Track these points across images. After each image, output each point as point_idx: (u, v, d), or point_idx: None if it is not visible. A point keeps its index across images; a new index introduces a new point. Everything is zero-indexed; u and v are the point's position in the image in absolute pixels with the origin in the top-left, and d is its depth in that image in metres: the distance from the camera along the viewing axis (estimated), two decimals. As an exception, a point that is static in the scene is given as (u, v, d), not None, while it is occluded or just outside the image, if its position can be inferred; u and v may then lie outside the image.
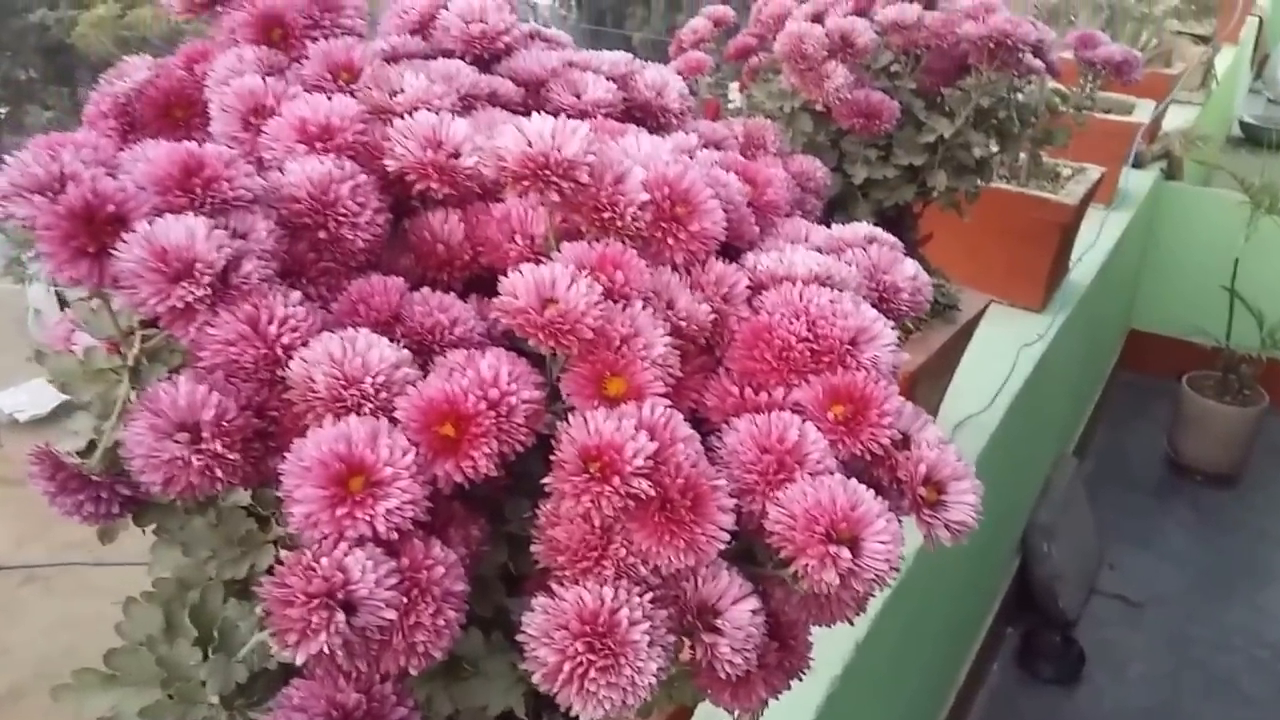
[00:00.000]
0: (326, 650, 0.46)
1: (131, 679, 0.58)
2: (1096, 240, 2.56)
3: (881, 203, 1.25)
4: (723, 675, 0.53)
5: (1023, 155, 1.86)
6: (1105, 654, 2.91)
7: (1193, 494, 3.66)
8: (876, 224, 0.72)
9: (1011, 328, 2.04)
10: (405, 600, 0.48)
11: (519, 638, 0.51)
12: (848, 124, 1.15)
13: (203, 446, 0.49)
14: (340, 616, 0.46)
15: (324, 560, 0.46)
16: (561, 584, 0.52)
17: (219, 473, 0.50)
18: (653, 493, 0.50)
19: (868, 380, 0.56)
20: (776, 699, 0.63)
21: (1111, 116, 2.72)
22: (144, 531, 0.63)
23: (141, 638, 0.59)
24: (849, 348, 0.57)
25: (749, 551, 0.57)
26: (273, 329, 0.52)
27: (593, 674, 0.49)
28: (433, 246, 0.62)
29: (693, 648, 0.54)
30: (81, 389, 0.60)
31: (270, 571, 0.48)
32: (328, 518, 0.48)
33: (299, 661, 0.46)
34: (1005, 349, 1.96)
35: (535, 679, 0.50)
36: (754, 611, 0.53)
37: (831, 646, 1.38)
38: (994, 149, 1.28)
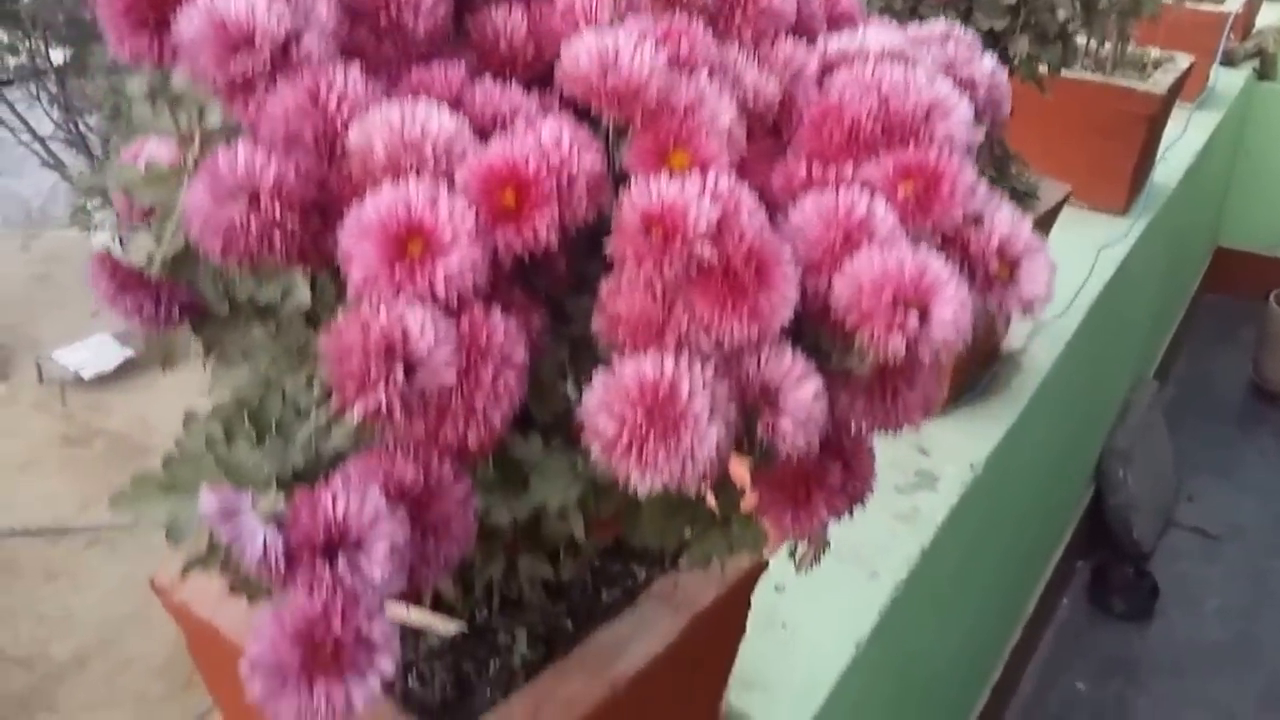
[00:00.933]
0: (384, 405, 0.45)
1: (189, 486, 0.58)
2: (1182, 138, 2.44)
3: (958, 71, 1.21)
4: (784, 455, 0.52)
5: (1108, 44, 1.79)
6: (1180, 588, 2.83)
7: (1277, 422, 3.55)
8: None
9: (1091, 230, 1.97)
10: (464, 361, 0.48)
11: (577, 415, 0.50)
12: None
13: (262, 210, 0.49)
14: (399, 369, 0.45)
15: (382, 314, 0.46)
16: (621, 358, 0.51)
17: (277, 238, 0.50)
18: (715, 258, 0.49)
19: (940, 156, 0.54)
20: (838, 520, 0.62)
21: (1202, 6, 2.59)
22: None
23: (199, 449, 0.59)
24: (922, 122, 0.55)
25: (813, 345, 0.56)
26: (332, 101, 0.51)
27: (651, 442, 0.48)
28: (494, 43, 0.60)
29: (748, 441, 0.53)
30: (143, 194, 0.60)
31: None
32: (386, 276, 0.47)
33: (356, 416, 0.46)
34: (1084, 251, 1.89)
35: (594, 453, 0.49)
36: (816, 394, 0.52)
37: (898, 553, 1.37)
38: (1079, 14, 1.23)
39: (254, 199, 0.49)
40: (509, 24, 0.60)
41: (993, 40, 1.21)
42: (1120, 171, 2.02)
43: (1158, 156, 2.24)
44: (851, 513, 0.62)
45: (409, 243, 0.48)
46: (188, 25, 0.51)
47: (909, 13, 1.21)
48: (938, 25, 0.67)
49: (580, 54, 0.52)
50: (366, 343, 0.45)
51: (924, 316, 0.50)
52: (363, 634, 0.44)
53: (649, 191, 0.50)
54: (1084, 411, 2.36)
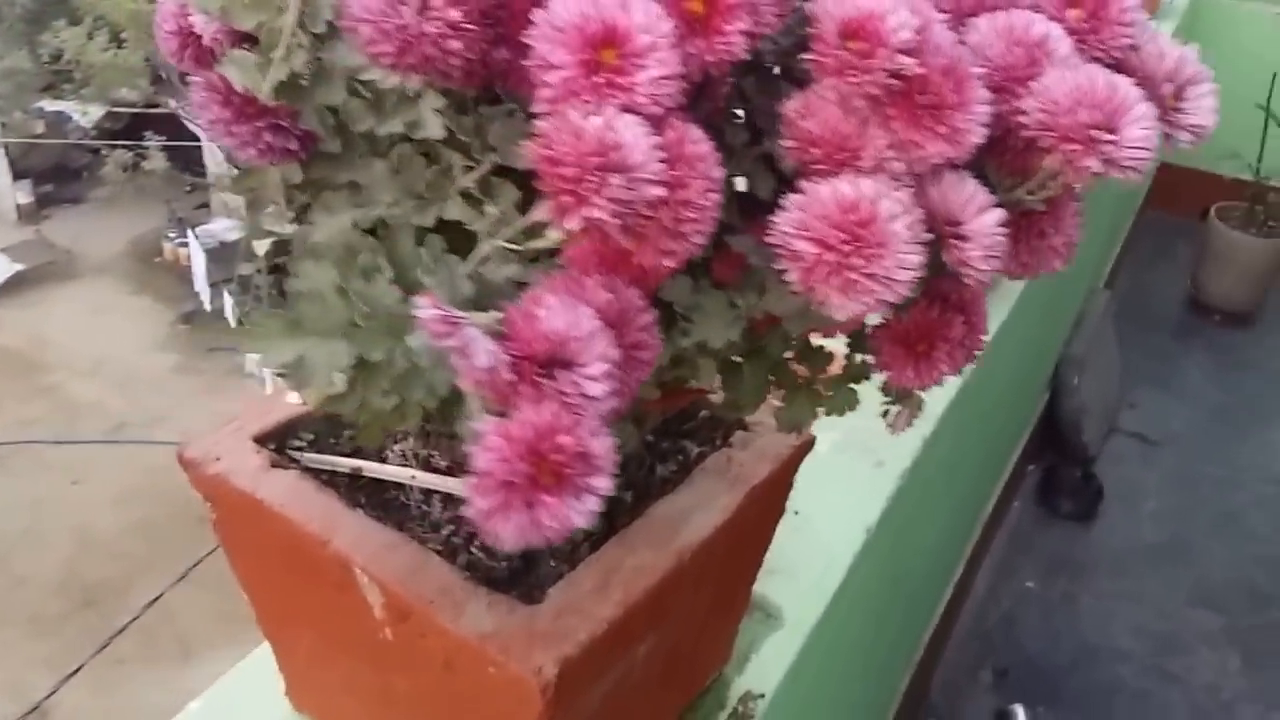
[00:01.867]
0: (602, 215, 0.43)
1: (317, 326, 0.55)
2: None
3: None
4: (972, 281, 0.51)
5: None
6: (1121, 491, 2.96)
7: (1211, 335, 3.69)
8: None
9: None
10: (673, 175, 0.45)
11: (769, 238, 0.49)
12: None
13: (435, 13, 0.46)
14: (617, 177, 0.43)
15: (594, 120, 0.44)
16: (813, 180, 0.49)
17: (454, 44, 0.47)
18: (916, 70, 0.47)
19: (1112, -18, 0.53)
20: (956, 374, 0.62)
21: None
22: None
23: (325, 286, 0.56)
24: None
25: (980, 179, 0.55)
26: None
27: (855, 260, 0.46)
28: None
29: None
30: (244, 16, 0.55)
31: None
32: (586, 85, 0.45)
33: (571, 227, 0.44)
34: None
35: (790, 277, 0.48)
36: (1000, 221, 0.51)
37: (903, 442, 1.40)
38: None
39: (424, 4, 0.46)
40: None
41: None
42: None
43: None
44: (969, 362, 0.62)
45: (602, 51, 0.45)
46: None
47: None
48: None
49: None
50: (582, 151, 0.43)
51: (1114, 135, 0.49)
52: (586, 450, 0.43)
53: (845, 1, 0.48)
54: (1044, 324, 2.42)
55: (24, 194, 10.56)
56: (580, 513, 0.43)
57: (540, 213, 0.45)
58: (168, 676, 6.01)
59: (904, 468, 1.38)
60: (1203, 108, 0.54)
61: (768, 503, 0.85)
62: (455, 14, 0.46)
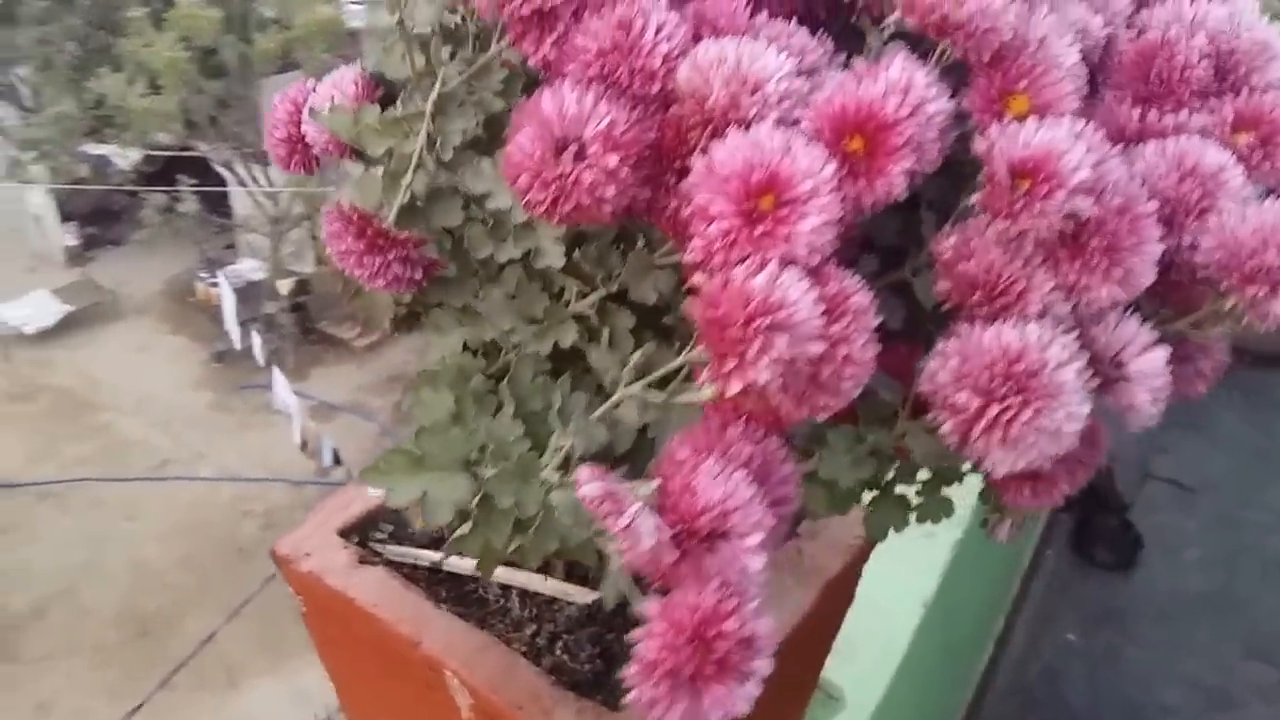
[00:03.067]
0: (765, 379, 0.40)
1: (438, 461, 0.53)
2: None
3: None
4: (1135, 425, 0.48)
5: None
6: (1160, 539, 2.89)
7: (1243, 376, 3.60)
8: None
9: None
10: (834, 330, 0.43)
11: (923, 387, 0.46)
12: None
13: (593, 161, 0.43)
14: (782, 340, 0.40)
15: (760, 279, 0.41)
16: (972, 325, 0.46)
17: (609, 191, 0.44)
18: (1094, 211, 0.44)
19: (1277, 102, 0.51)
20: (1074, 493, 0.59)
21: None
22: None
23: (443, 419, 0.54)
24: (1256, 64, 0.51)
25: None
26: (649, 35, 0.45)
27: (1025, 416, 0.43)
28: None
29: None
30: (375, 142, 0.53)
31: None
32: (747, 235, 0.42)
33: (732, 392, 0.41)
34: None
35: (945, 429, 0.45)
36: (1165, 360, 0.48)
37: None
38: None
39: (581, 149, 0.44)
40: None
41: None
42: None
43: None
44: (1084, 483, 0.59)
45: (761, 197, 0.43)
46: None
47: None
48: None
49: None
50: (748, 313, 0.40)
51: (1304, 276, 0.46)
52: (751, 635, 0.40)
53: (1017, 139, 0.45)
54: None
55: (71, 236, 10.70)
56: (743, 698, 0.40)
57: (689, 364, 0.42)
58: (216, 703, 6.21)
59: (956, 538, 1.35)
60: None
61: (840, 595, 0.83)
62: (613, 161, 0.43)
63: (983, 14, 0.46)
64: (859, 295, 0.44)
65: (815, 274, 0.43)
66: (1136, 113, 0.51)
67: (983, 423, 0.44)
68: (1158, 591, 2.78)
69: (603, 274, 0.53)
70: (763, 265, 0.42)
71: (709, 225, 0.42)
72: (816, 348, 0.42)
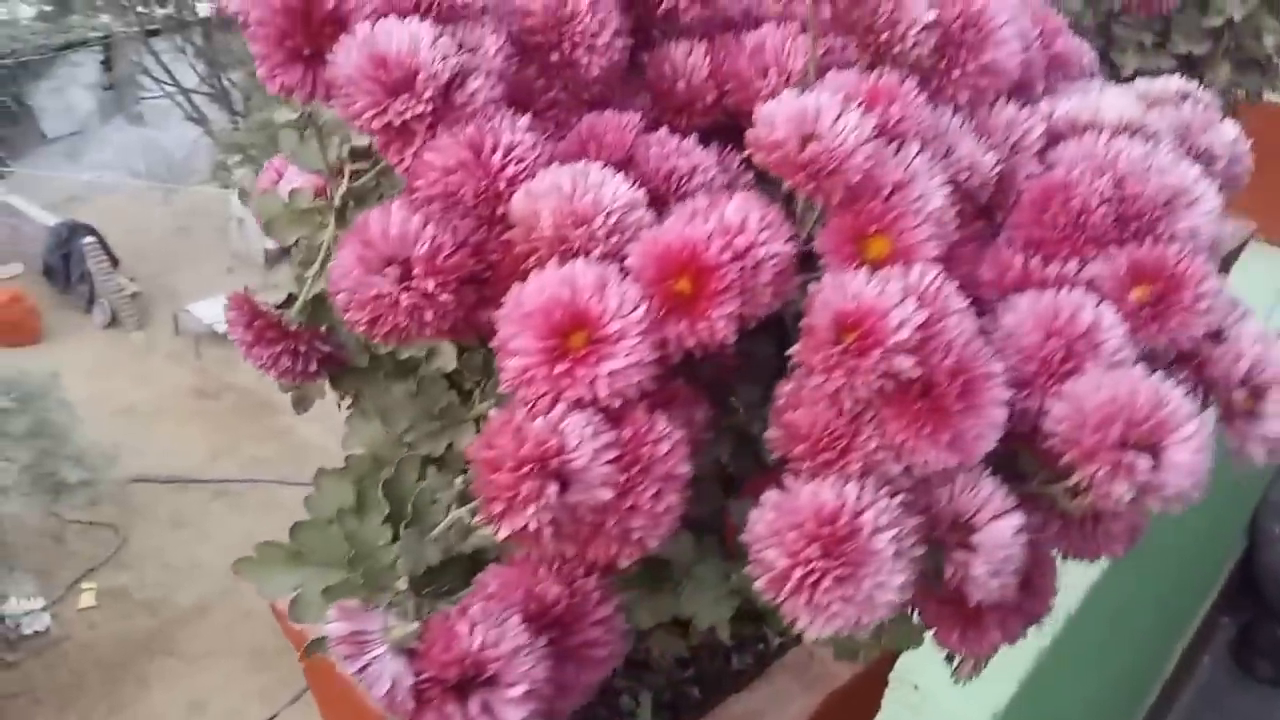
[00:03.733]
0: (534, 526, 0.41)
1: (318, 557, 0.55)
2: None
3: (1149, 99, 1.10)
4: (974, 602, 0.46)
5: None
6: None
7: None
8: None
9: (1272, 270, 1.80)
10: (624, 478, 0.42)
11: (743, 537, 0.45)
12: (1123, 2, 1.02)
13: (413, 284, 0.45)
14: (553, 488, 0.40)
15: (539, 422, 0.41)
16: (796, 478, 0.45)
17: (428, 315, 0.45)
18: (917, 372, 0.42)
19: (1182, 255, 0.47)
20: (1010, 645, 0.56)
21: None
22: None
23: (331, 513, 0.56)
24: (1162, 212, 0.48)
25: (1008, 462, 0.49)
26: (497, 157, 0.46)
27: (827, 584, 0.42)
28: (672, 84, 0.54)
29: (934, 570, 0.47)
30: (285, 231, 0.56)
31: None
32: (545, 374, 0.42)
33: (502, 536, 0.41)
34: (1262, 294, 1.73)
35: (758, 584, 0.44)
36: (1017, 530, 0.45)
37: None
38: (1284, 43, 1.11)
39: (405, 271, 0.45)
40: (689, 64, 0.54)
41: (1188, 66, 1.09)
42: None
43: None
44: (1025, 634, 0.56)
45: (571, 334, 0.43)
46: (345, 60, 0.46)
47: (1100, 31, 1.10)
48: (1172, 82, 0.58)
49: (776, 118, 0.45)
50: (520, 453, 0.41)
51: (1157, 459, 0.43)
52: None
53: (844, 290, 0.43)
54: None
55: (271, 240, 11.32)
56: None
57: (481, 512, 0.42)
58: None
59: (1043, 645, 1.25)
60: (1281, 416, 0.47)
61: (852, 705, 0.79)
62: (431, 285, 0.44)
63: (828, 155, 0.44)
64: (661, 443, 0.43)
65: (618, 417, 0.43)
66: (1020, 259, 0.48)
67: (789, 584, 0.43)
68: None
69: (490, 383, 0.54)
70: (553, 404, 0.42)
71: (509, 360, 0.43)
72: (601, 494, 0.42)
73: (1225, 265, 1.28)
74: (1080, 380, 0.44)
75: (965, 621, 0.53)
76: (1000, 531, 0.45)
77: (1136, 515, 0.51)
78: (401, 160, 0.48)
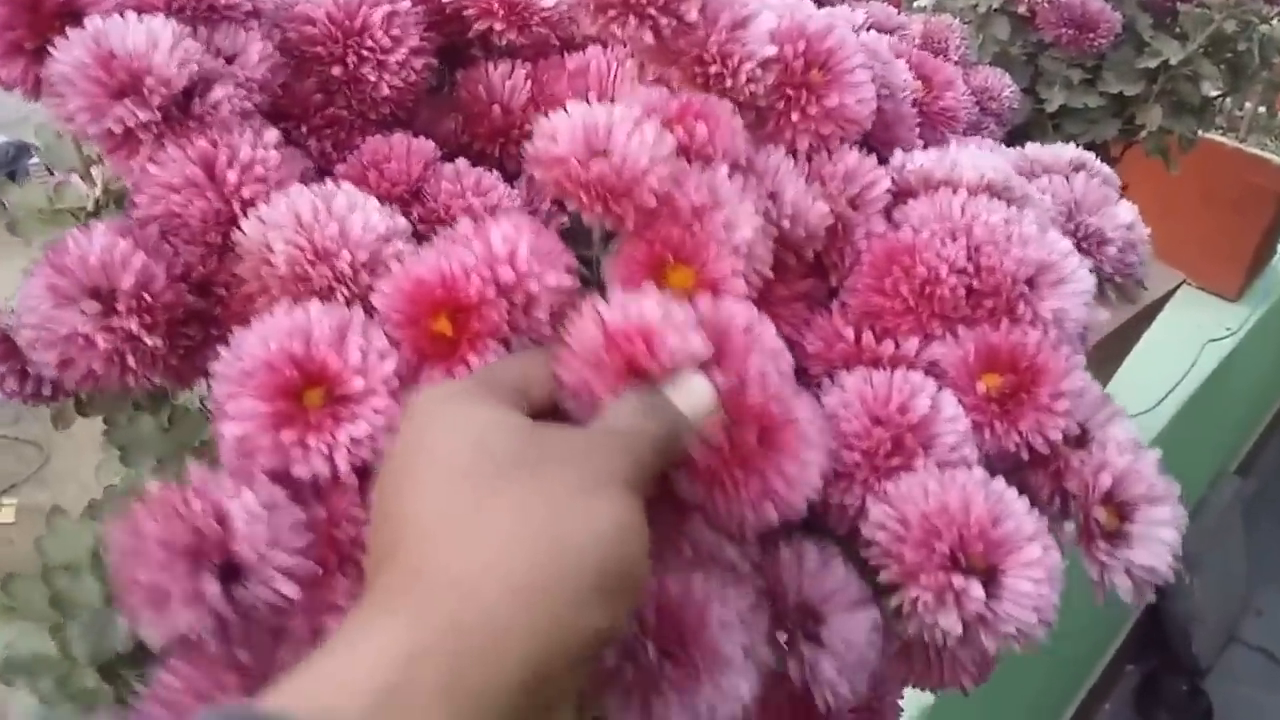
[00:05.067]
0: (192, 633, 0.32)
1: (29, 612, 0.46)
2: None
3: (1075, 139, 1.05)
4: (821, 705, 0.38)
5: (1248, 105, 1.59)
6: (1234, 713, 2.58)
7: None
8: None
9: (1198, 316, 1.77)
10: (318, 570, 0.34)
11: None
12: (1053, 35, 0.97)
13: (114, 323, 0.37)
14: (213, 588, 0.32)
15: (196, 502, 0.33)
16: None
17: (131, 361, 0.37)
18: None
19: (1044, 342, 0.40)
20: None
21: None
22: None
23: (57, 563, 0.47)
24: (1024, 289, 0.41)
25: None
26: (232, 176, 0.39)
27: (663, 687, 0.34)
28: (487, 108, 0.48)
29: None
30: (32, 231, 0.48)
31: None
32: (269, 444, 0.34)
33: (154, 639, 0.33)
34: (1187, 343, 1.69)
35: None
36: (872, 627, 0.38)
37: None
38: (1221, 89, 1.07)
39: (108, 306, 0.37)
40: (507, 86, 0.47)
41: (1119, 107, 1.05)
42: (1240, 252, 1.78)
43: (1284, 240, 2.01)
44: None
45: (304, 392, 0.35)
46: (65, 56, 0.39)
47: (1027, 61, 1.05)
48: (1067, 151, 0.52)
49: (558, 130, 0.38)
50: (170, 538, 0.32)
51: (992, 583, 0.35)
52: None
53: (622, 307, 0.36)
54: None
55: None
56: None
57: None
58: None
59: (925, 706, 1.19)
60: (1157, 541, 0.39)
61: None
62: (135, 325, 0.36)
63: (615, 174, 0.37)
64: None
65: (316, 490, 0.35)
66: (851, 331, 0.41)
67: (614, 692, 0.35)
68: (1223, 775, 2.48)
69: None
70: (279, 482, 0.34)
71: (227, 427, 0.35)
72: (284, 590, 0.33)
73: (1149, 317, 1.23)
74: (906, 479, 0.37)
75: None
76: (853, 625, 0.38)
77: (985, 646, 0.44)
78: (130, 171, 0.40)
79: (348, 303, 0.37)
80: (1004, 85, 0.72)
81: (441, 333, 0.36)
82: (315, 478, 0.34)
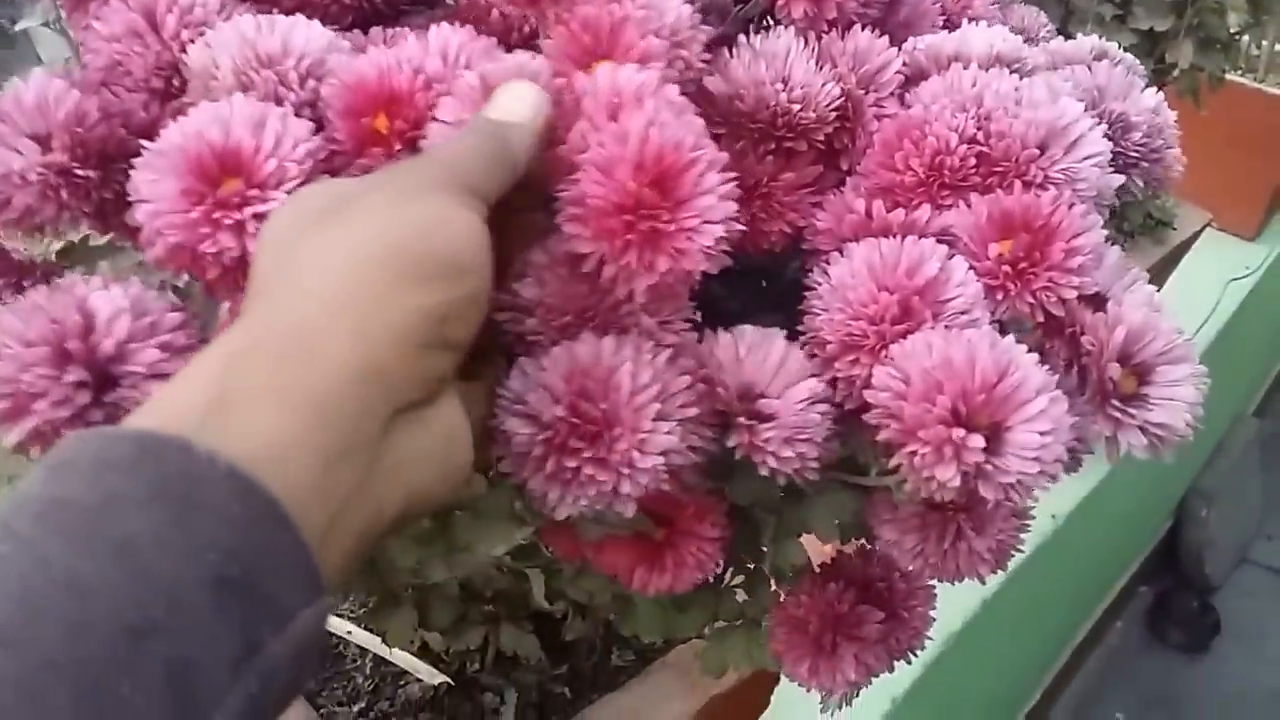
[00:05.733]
0: (48, 428, 0.31)
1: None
2: None
3: (1109, 81, 1.04)
4: (766, 470, 0.36)
5: (1265, 42, 1.56)
6: (1242, 627, 2.56)
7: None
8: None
9: (1219, 256, 1.72)
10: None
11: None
12: None
13: (49, 159, 0.35)
14: (80, 396, 0.31)
15: (60, 296, 0.32)
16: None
17: (65, 194, 0.35)
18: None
19: (1058, 203, 0.37)
20: (868, 683, 0.47)
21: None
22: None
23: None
24: (1035, 154, 0.38)
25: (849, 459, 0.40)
26: (172, 20, 0.37)
27: (573, 444, 0.33)
28: (485, 9, 0.44)
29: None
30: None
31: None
32: (179, 221, 0.32)
33: (10, 443, 0.31)
34: (1209, 284, 1.65)
35: (503, 465, 0.34)
36: (812, 397, 0.36)
37: (953, 602, 1.17)
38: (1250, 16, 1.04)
39: (45, 145, 0.35)
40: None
41: (1150, 44, 1.03)
42: (1257, 191, 1.74)
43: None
44: (891, 668, 0.47)
45: (222, 181, 0.33)
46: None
47: (1059, 1, 1.03)
48: (1087, 41, 0.49)
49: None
50: (27, 333, 0.31)
51: (995, 438, 0.33)
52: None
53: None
54: (1175, 455, 2.13)
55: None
56: None
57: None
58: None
59: (952, 630, 1.17)
60: (1174, 401, 0.37)
61: (737, 709, 0.71)
62: (66, 157, 0.34)
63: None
64: None
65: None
66: (861, 204, 0.38)
67: (532, 455, 0.33)
68: (1225, 682, 2.49)
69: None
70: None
71: (141, 209, 0.33)
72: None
73: (1176, 258, 1.20)
74: (911, 342, 0.34)
75: (819, 651, 0.45)
76: (793, 395, 0.36)
77: (1006, 533, 0.41)
78: (83, 27, 0.38)
79: (296, 112, 0.35)
80: (1040, 24, 0.69)
81: (378, 129, 0.35)
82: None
